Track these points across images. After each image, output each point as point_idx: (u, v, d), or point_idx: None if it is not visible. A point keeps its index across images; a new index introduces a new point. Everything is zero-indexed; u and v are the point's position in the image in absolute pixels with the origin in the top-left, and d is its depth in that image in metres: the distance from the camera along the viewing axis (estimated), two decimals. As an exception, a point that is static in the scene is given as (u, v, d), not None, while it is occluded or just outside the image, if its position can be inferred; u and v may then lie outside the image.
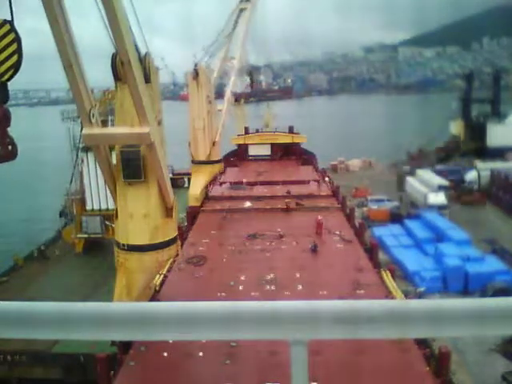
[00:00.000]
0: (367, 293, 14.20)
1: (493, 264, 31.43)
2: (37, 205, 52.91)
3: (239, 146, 42.16)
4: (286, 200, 25.07)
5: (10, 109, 10.43)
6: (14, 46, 9.96)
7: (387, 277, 15.23)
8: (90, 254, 35.20)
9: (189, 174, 37.96)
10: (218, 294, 14.52)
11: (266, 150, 41.65)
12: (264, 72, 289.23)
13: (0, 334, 1.94)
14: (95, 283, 28.58)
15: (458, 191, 51.01)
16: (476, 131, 70.57)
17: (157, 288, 15.10)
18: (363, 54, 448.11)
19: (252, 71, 36.57)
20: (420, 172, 55.18)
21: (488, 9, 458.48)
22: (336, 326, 1.92)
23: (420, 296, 24.02)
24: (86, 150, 32.96)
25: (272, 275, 15.90)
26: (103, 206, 35.73)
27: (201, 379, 10.62)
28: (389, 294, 13.95)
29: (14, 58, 9.98)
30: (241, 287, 15.31)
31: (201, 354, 10.94)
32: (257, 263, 17.41)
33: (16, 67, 10.04)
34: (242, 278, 15.99)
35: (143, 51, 15.31)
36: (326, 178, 32.76)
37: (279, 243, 19.44)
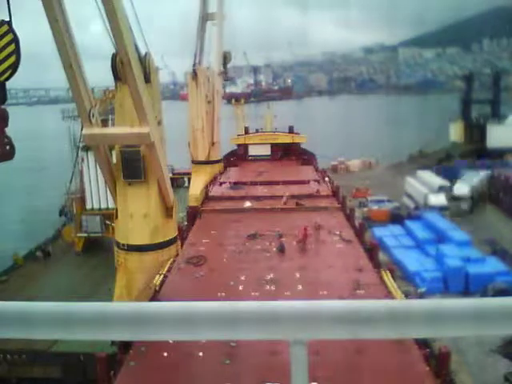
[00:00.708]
0: (367, 293, 14.20)
1: (493, 265, 31.47)
2: (36, 204, 52.96)
3: (239, 146, 42.19)
4: (283, 200, 25.10)
5: (10, 107, 10.46)
6: (12, 47, 9.98)
7: (387, 277, 15.22)
8: (90, 254, 35.22)
9: (189, 174, 37.98)
10: (218, 294, 14.51)
11: (266, 150, 41.66)
12: (264, 72, 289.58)
13: (0, 334, 1.94)
14: (95, 283, 28.60)
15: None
16: (476, 132, 70.59)
17: (157, 288, 15.08)
18: (363, 54, 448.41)
19: (226, 56, 35.57)
20: (420, 173, 55.23)
21: (488, 10, 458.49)
22: (336, 325, 1.92)
23: (421, 297, 24.01)
24: (87, 149, 32.98)
25: (272, 275, 15.90)
26: (103, 206, 35.76)
27: (201, 379, 10.62)
28: (389, 294, 13.94)
29: (12, 58, 9.99)
30: (241, 287, 15.30)
31: (201, 354, 10.94)
32: (257, 263, 17.40)
33: (14, 68, 10.06)
34: (242, 278, 15.98)
35: (143, 51, 15.34)
36: (326, 178, 32.74)
37: (279, 243, 19.42)
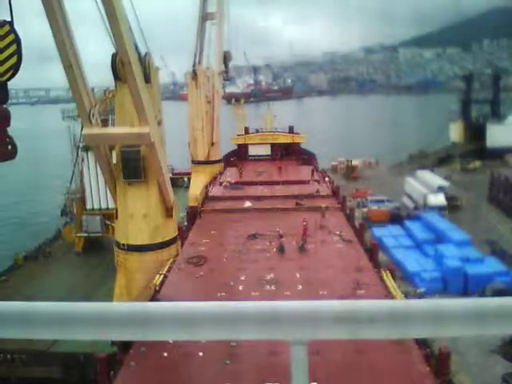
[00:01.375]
0: (367, 293, 14.20)
1: (492, 265, 31.44)
2: (35, 204, 52.94)
3: (239, 145, 42.20)
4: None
5: (11, 107, 10.46)
6: (14, 47, 9.99)
7: (387, 277, 15.22)
8: (90, 254, 35.19)
9: (189, 174, 37.96)
10: (218, 294, 14.51)
11: (266, 150, 41.68)
12: (264, 72, 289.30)
13: (0, 334, 1.94)
14: (95, 282, 28.58)
15: None
16: (476, 132, 70.59)
17: (157, 288, 15.08)
18: (363, 54, 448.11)
19: (226, 56, 35.47)
20: (420, 173, 55.18)
21: (488, 10, 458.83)
22: (336, 326, 1.92)
23: (420, 297, 24.00)
24: (87, 148, 32.97)
25: (272, 275, 15.90)
26: (103, 205, 35.73)
27: (201, 379, 10.61)
28: (389, 294, 13.94)
29: (14, 59, 10.00)
30: (241, 287, 15.30)
31: (201, 354, 10.94)
32: (257, 263, 17.40)
33: (15, 68, 10.07)
34: (242, 278, 15.98)
35: (143, 51, 15.34)
36: (326, 178, 32.74)
37: (279, 243, 19.42)
